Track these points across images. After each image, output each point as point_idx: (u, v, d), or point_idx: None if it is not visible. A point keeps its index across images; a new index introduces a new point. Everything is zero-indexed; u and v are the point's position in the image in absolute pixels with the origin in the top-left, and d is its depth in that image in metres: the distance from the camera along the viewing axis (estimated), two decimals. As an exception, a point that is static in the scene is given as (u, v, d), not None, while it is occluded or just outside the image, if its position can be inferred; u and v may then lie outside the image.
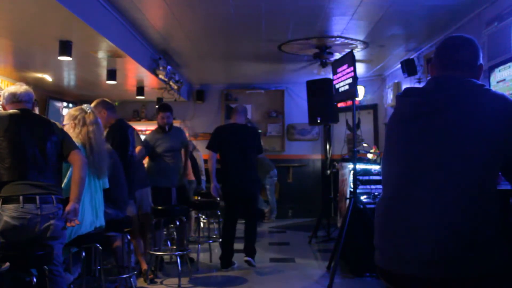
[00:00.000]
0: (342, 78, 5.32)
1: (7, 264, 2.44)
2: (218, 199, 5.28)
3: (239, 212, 5.16)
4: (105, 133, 4.34)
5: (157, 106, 5.79)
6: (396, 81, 7.05)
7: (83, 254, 3.28)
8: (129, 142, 4.39)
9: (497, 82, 3.99)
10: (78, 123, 3.38)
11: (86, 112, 3.46)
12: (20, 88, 3.09)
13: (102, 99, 4.43)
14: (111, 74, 5.92)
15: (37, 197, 2.79)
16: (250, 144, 5.16)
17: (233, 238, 5.08)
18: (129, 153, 4.35)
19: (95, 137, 3.38)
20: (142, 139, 5.15)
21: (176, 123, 8.46)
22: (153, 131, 5.32)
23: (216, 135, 5.18)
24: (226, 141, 5.09)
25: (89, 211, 3.30)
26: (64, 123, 3.46)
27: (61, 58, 4.52)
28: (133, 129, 4.82)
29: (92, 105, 4.37)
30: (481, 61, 1.83)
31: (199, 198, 6.28)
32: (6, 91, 3.10)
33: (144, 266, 4.59)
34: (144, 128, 8.52)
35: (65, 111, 7.67)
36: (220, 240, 5.55)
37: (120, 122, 4.48)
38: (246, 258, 5.04)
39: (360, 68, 7.38)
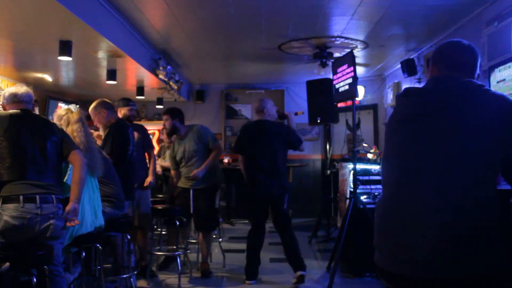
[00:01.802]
0: (342, 78, 5.31)
1: (7, 264, 2.45)
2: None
3: (266, 216, 4.88)
4: (105, 132, 4.36)
5: None
6: (396, 81, 7.05)
7: (83, 254, 3.28)
8: (129, 141, 4.39)
9: (497, 82, 3.99)
10: (64, 123, 3.38)
11: (72, 112, 3.48)
12: (20, 88, 3.11)
13: (102, 99, 4.45)
14: (111, 74, 5.92)
15: (37, 196, 2.80)
16: (274, 142, 4.62)
17: (260, 246, 4.66)
18: (129, 152, 4.36)
19: (79, 135, 3.35)
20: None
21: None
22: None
23: (240, 136, 4.81)
24: (250, 141, 4.64)
25: (88, 211, 3.30)
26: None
27: (61, 58, 4.51)
28: (138, 127, 4.82)
29: (92, 105, 4.40)
30: (478, 70, 1.84)
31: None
32: (7, 91, 3.12)
33: (143, 263, 4.63)
34: (144, 128, 8.51)
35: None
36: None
37: (120, 121, 4.48)
38: (299, 273, 4.44)
39: (360, 68, 7.38)
